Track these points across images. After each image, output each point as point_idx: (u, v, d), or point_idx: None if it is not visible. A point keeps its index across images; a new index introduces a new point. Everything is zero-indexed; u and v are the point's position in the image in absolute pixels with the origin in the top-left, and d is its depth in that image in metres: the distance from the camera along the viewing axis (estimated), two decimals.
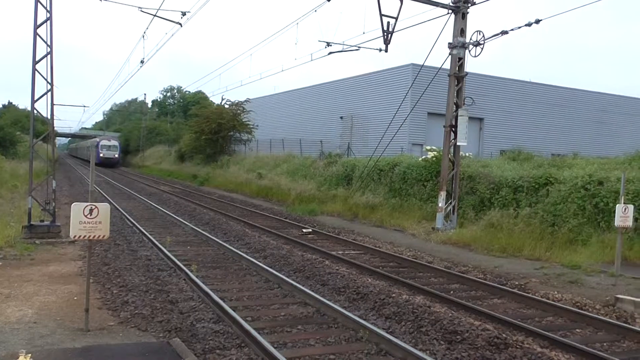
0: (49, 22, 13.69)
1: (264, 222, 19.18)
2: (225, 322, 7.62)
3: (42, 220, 14.12)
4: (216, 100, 57.47)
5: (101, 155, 64.42)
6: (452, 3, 17.00)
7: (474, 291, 10.37)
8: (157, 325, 7.31)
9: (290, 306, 8.73)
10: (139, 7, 17.06)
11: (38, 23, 13.60)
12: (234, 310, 7.85)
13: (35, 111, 13.99)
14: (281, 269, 11.52)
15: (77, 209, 6.66)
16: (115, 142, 70.96)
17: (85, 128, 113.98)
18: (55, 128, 16.69)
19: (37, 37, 13.60)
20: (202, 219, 19.37)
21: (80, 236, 6.74)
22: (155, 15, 17.67)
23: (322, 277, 10.66)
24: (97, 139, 72.43)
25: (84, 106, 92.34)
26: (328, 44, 20.33)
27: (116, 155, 68.52)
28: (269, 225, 18.45)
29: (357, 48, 20.15)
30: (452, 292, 10.16)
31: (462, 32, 17.08)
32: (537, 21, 15.18)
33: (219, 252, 13.37)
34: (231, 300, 8.86)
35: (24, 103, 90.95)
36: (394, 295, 9.15)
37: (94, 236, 6.78)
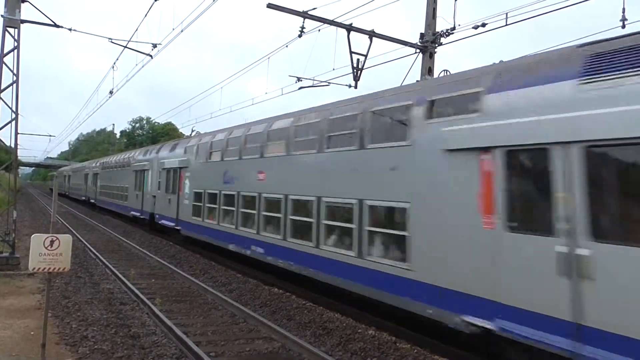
0: (16, 50, 13.59)
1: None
2: (188, 358, 7.46)
3: (0, 252, 13.71)
4: (186, 131, 57.31)
5: None
6: (420, 43, 17.47)
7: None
8: None
9: (255, 341, 8.60)
10: (109, 38, 17.03)
11: (5, 52, 13.48)
12: (197, 345, 7.70)
13: None
14: (247, 303, 11.37)
15: (37, 241, 6.52)
16: None
17: (51, 158, 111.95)
18: (19, 157, 16.37)
19: (4, 65, 13.47)
20: (168, 252, 19.04)
21: (39, 268, 6.58)
22: (125, 47, 17.67)
23: (289, 312, 10.55)
24: None
25: (50, 135, 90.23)
26: (299, 79, 20.52)
27: None
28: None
29: (327, 83, 20.36)
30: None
31: (430, 70, 17.49)
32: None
33: (184, 285, 13.14)
34: (195, 335, 8.69)
35: None
36: (360, 330, 9.10)
37: (54, 268, 6.62)
